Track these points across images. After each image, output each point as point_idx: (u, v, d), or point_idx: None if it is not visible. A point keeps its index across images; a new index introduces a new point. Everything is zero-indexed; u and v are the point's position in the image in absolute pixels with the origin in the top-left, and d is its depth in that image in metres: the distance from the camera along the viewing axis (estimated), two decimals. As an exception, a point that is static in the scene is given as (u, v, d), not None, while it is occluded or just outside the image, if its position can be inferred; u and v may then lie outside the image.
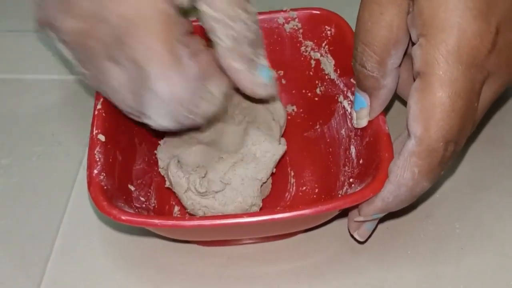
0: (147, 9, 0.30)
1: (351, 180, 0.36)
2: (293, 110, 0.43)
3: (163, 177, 0.39)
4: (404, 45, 0.32)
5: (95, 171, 0.33)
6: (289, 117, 0.43)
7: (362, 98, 0.34)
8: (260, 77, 0.33)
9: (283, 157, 0.40)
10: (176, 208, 0.38)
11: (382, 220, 0.36)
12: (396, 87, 0.35)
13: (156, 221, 0.31)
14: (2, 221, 0.39)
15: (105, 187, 0.33)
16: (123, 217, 0.31)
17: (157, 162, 0.40)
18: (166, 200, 0.39)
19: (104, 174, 0.33)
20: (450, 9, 0.29)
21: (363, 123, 0.35)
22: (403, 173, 0.31)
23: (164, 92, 0.31)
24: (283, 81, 0.43)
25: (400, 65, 0.33)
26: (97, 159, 0.34)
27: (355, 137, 0.37)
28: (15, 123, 0.44)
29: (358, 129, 0.36)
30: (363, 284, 0.35)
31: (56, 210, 0.39)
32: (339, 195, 0.36)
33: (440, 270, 0.35)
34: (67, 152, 0.42)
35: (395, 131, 0.35)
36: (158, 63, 0.31)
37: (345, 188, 0.36)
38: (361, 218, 0.34)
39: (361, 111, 0.35)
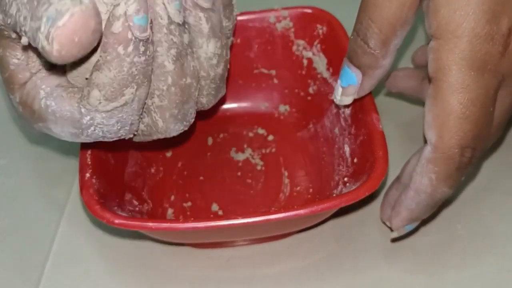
0: None
1: (345, 179, 0.35)
2: (285, 109, 0.42)
3: (156, 180, 0.39)
4: (410, 26, 0.31)
5: (87, 175, 0.33)
6: (282, 117, 0.42)
7: (353, 75, 0.33)
8: None
9: (277, 157, 0.40)
10: (170, 211, 0.38)
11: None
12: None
13: (150, 224, 0.30)
14: None
15: (98, 191, 0.32)
16: (116, 221, 0.31)
17: (150, 164, 0.40)
18: (159, 203, 0.38)
19: (96, 178, 0.33)
20: (466, 14, 0.29)
21: (348, 101, 0.34)
22: (421, 179, 0.31)
23: None
24: (275, 81, 0.42)
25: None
26: (89, 163, 0.34)
27: (349, 136, 0.37)
28: (13, 123, 0.44)
29: (351, 127, 0.36)
30: (363, 284, 0.35)
31: (54, 211, 0.39)
32: (334, 195, 0.36)
33: (441, 271, 0.35)
34: (65, 153, 0.42)
35: (389, 128, 0.35)
36: None
37: (339, 188, 0.36)
38: (395, 234, 0.34)
39: (349, 88, 0.33)
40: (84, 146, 0.34)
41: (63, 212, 0.39)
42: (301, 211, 0.30)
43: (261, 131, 0.42)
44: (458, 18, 0.29)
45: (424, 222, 0.36)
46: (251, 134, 0.42)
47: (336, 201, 0.31)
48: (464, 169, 0.31)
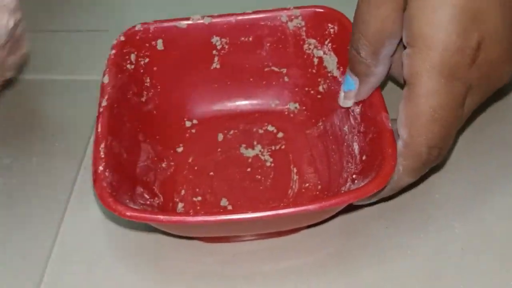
0: None
1: (354, 176, 0.36)
2: (295, 107, 0.43)
3: (167, 174, 0.40)
4: (399, 37, 0.34)
5: (101, 168, 0.33)
6: (291, 115, 0.43)
7: (352, 81, 0.36)
8: None
9: (286, 154, 0.41)
10: (180, 205, 0.38)
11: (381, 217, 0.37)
12: (387, 74, 0.36)
13: (161, 217, 0.31)
14: (2, 220, 0.39)
15: (110, 184, 0.33)
16: (128, 214, 0.31)
17: (161, 159, 0.40)
18: (170, 198, 0.39)
19: (109, 171, 0.34)
20: (437, 26, 0.31)
21: (349, 104, 0.38)
22: None
23: None
24: (286, 79, 0.43)
25: (393, 55, 0.35)
26: (102, 156, 0.34)
27: (358, 134, 0.37)
28: (15, 123, 0.44)
29: (361, 126, 0.37)
30: (362, 284, 0.35)
31: (57, 209, 0.39)
32: (342, 191, 0.36)
33: (440, 270, 0.35)
34: (67, 152, 0.42)
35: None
36: None
37: (348, 184, 0.36)
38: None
39: (349, 92, 0.37)
40: (97, 139, 0.35)
41: (65, 210, 0.39)
42: (311, 207, 0.31)
43: (271, 128, 0.42)
44: (429, 30, 0.31)
45: (386, 199, 0.38)
46: (261, 131, 0.42)
47: (344, 197, 0.32)
48: (429, 165, 0.34)
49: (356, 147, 0.37)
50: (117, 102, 0.38)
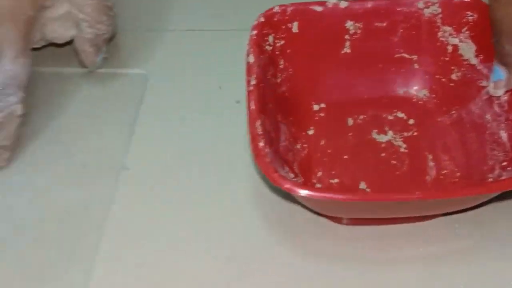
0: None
1: (504, 164, 0.36)
2: (424, 95, 0.43)
3: (302, 155, 0.40)
4: None
5: (261, 144, 0.34)
6: (420, 102, 0.43)
7: (501, 72, 0.37)
8: None
9: (419, 140, 0.41)
10: (318, 186, 0.39)
11: None
12: None
13: (340, 195, 0.31)
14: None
15: (271, 160, 0.33)
16: (301, 192, 0.32)
17: (296, 140, 0.40)
18: (308, 178, 0.39)
19: (268, 147, 0.34)
20: None
21: (500, 92, 0.38)
22: None
23: None
24: (416, 66, 0.43)
25: None
26: (260, 133, 0.34)
27: (506, 122, 0.37)
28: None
29: (509, 113, 0.37)
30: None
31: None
32: (490, 179, 0.36)
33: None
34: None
35: None
36: None
37: (496, 172, 0.36)
38: None
39: (498, 82, 0.38)
40: (252, 117, 0.35)
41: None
42: (481, 189, 0.31)
43: (400, 114, 0.42)
44: None
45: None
46: (390, 117, 0.42)
47: None
48: None
49: (503, 135, 0.37)
50: (262, 82, 0.38)
